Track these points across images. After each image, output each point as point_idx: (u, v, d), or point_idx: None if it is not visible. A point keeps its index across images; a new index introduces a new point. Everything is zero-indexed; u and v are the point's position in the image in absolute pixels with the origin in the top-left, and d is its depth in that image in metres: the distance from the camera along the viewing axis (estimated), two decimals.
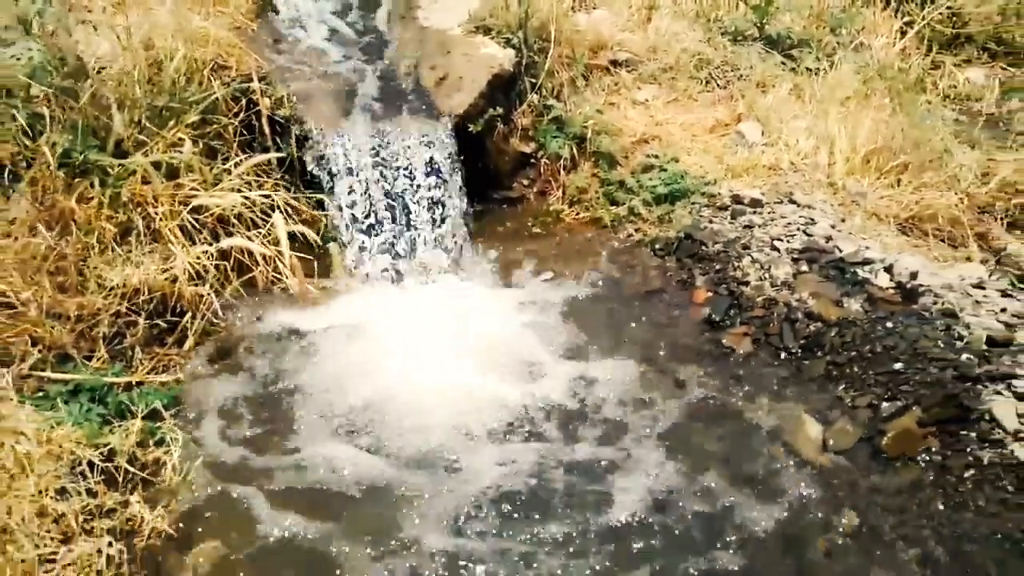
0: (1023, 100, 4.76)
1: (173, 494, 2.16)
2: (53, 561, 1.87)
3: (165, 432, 2.31)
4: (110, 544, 1.94)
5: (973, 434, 2.08)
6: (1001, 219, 3.76)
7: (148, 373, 2.58)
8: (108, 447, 2.16)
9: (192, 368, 2.66)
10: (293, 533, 2.10)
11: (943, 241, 3.47)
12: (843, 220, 3.27)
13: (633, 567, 1.99)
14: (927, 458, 2.11)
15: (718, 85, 4.21)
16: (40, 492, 1.94)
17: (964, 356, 2.31)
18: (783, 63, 4.54)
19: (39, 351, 2.43)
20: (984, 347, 2.41)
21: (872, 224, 3.40)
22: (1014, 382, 2.16)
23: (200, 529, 2.09)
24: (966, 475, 2.02)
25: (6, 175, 2.69)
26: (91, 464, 2.12)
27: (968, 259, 3.36)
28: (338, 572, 2.00)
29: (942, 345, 2.37)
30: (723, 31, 4.79)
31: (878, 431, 2.20)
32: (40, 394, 2.31)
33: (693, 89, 4.18)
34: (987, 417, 2.10)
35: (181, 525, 2.09)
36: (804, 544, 2.01)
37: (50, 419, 2.15)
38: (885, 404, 2.26)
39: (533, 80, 3.82)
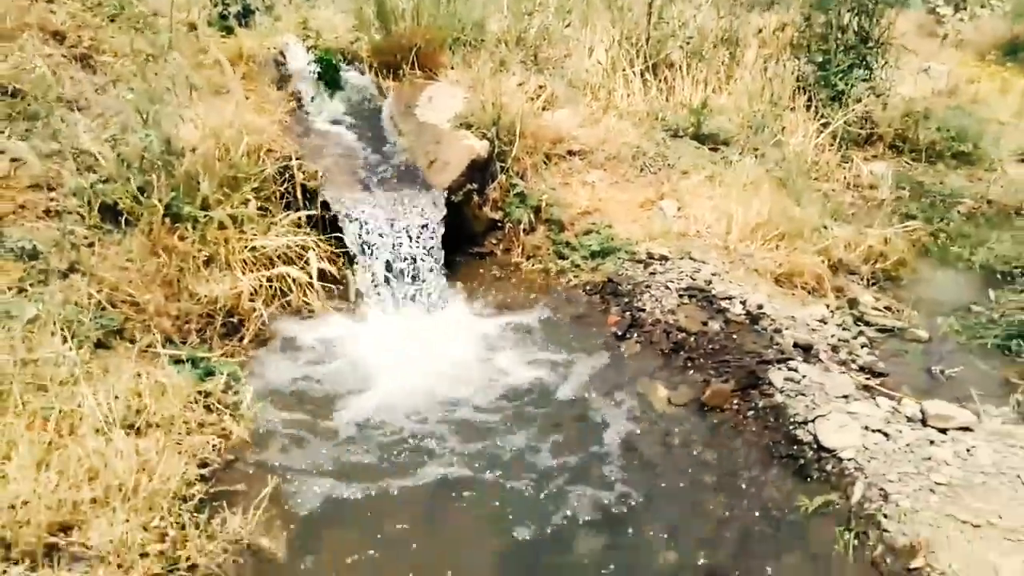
0: (907, 188, 6.63)
1: (247, 419, 3.76)
2: (180, 444, 3.46)
3: (239, 386, 3.94)
4: (214, 438, 3.54)
5: (758, 392, 3.72)
6: (867, 278, 5.54)
7: (221, 355, 4.23)
8: (207, 391, 3.79)
9: (249, 353, 4.31)
10: (323, 440, 3.70)
11: (809, 292, 5.19)
12: (727, 271, 4.99)
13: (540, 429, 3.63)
14: (730, 408, 3.74)
15: (650, 171, 6.03)
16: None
17: (769, 351, 3.99)
18: (711, 155, 6.40)
19: (153, 335, 4.09)
20: (792, 348, 4.09)
21: (753, 277, 5.12)
22: (789, 362, 3.82)
23: (266, 438, 3.69)
24: (748, 415, 3.65)
25: (123, 221, 4.43)
26: (195, 399, 3.74)
27: (827, 305, 5.07)
28: (347, 458, 3.60)
29: (761, 347, 4.04)
30: (666, 128, 6.69)
31: (704, 393, 3.85)
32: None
33: (631, 174, 5.99)
34: (768, 381, 3.75)
35: (254, 435, 3.69)
36: (647, 449, 3.64)
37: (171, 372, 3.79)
38: (714, 379, 3.91)
39: (503, 164, 5.63)
